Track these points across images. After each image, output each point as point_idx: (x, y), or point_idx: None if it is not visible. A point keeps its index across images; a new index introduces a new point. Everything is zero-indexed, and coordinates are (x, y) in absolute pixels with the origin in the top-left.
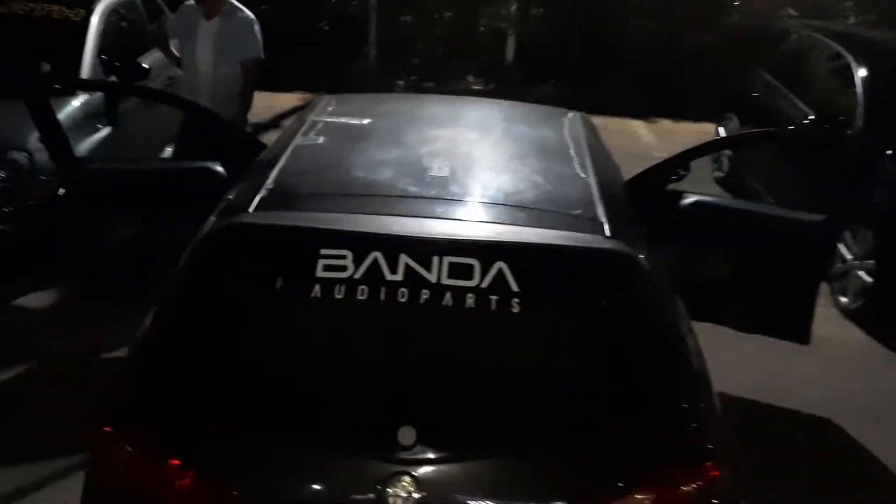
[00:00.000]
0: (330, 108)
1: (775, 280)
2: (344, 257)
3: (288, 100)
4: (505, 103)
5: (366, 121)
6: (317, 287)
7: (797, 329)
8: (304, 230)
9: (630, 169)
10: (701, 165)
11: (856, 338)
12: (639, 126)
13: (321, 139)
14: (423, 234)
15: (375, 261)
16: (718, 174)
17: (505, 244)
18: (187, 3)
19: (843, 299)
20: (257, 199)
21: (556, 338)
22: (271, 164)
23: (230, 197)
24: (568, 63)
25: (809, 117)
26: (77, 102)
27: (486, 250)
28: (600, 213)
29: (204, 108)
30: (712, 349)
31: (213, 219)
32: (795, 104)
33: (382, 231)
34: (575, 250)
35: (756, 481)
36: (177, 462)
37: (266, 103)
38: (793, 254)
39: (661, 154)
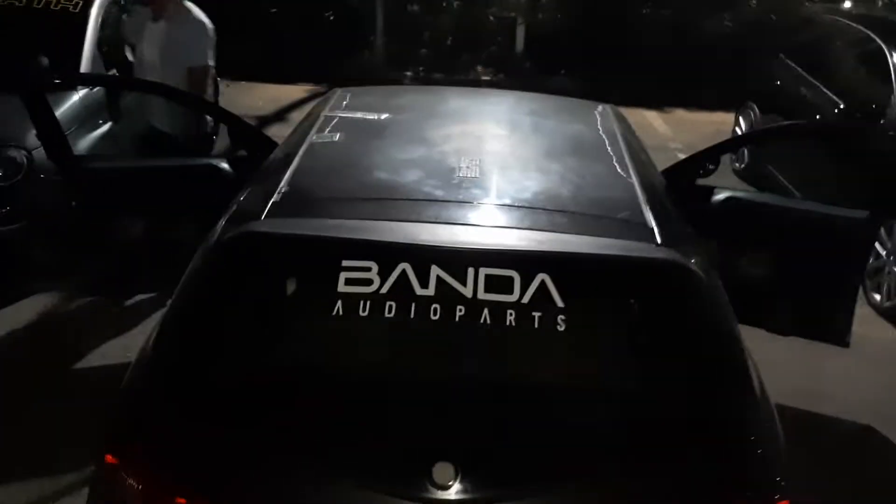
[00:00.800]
0: (345, 103)
1: (814, 280)
2: (368, 270)
3: (293, 92)
4: (529, 95)
5: (384, 116)
6: (339, 303)
7: (837, 331)
8: (323, 240)
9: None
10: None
11: (891, 337)
12: (653, 116)
13: (337, 136)
14: (456, 244)
15: (404, 273)
16: (737, 165)
17: (547, 254)
18: (138, 4)
19: (877, 297)
20: (270, 203)
21: (606, 359)
22: (284, 164)
23: (241, 200)
24: (579, 52)
25: (840, 107)
26: (77, 97)
27: (527, 261)
28: (648, 216)
29: (210, 104)
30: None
31: (222, 225)
32: (822, 93)
33: (411, 240)
34: (625, 261)
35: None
36: (183, 501)
37: (271, 94)
38: (833, 252)
39: (677, 145)
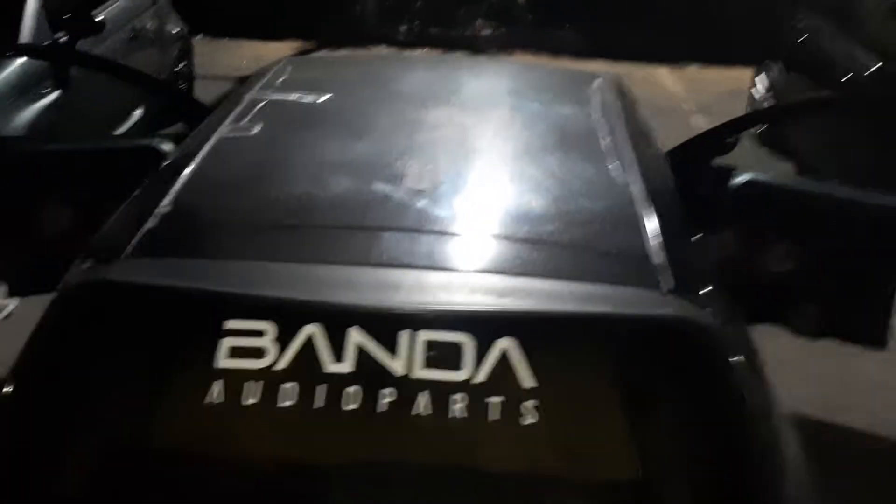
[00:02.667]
0: (281, 79)
1: (847, 274)
2: (261, 335)
3: (280, 49)
4: (513, 67)
5: (323, 98)
6: (215, 386)
7: (871, 331)
8: (197, 293)
9: (655, 128)
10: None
11: None
12: (664, 74)
13: (256, 128)
14: (382, 302)
15: (310, 341)
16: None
17: (512, 314)
18: None
19: None
20: (141, 232)
21: (594, 461)
22: (177, 170)
23: (110, 224)
24: (585, 4)
25: (874, 67)
26: (16, 62)
27: (484, 322)
28: (652, 246)
29: (158, 80)
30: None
31: (75, 266)
32: (854, 50)
33: (320, 294)
34: (618, 321)
35: None
36: None
37: (256, 53)
38: (869, 243)
39: (690, 106)
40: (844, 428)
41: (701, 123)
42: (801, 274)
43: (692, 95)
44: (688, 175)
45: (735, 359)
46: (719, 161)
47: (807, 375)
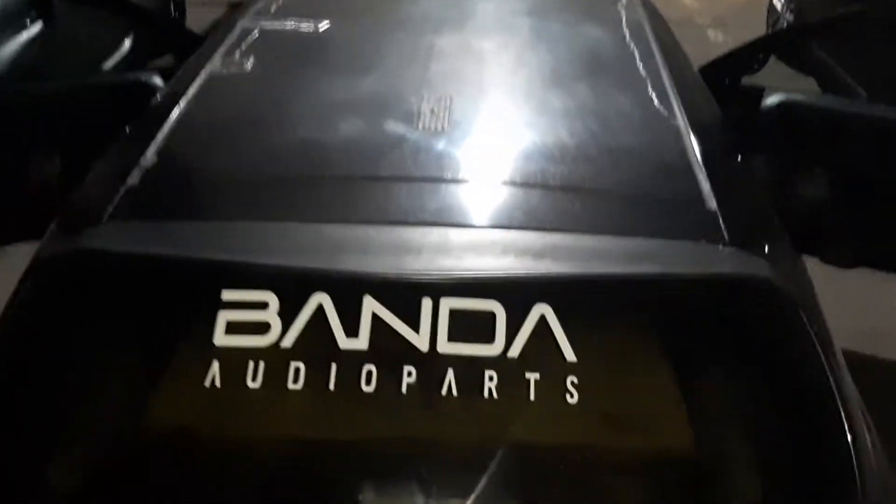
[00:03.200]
0: (279, 4)
1: (888, 201)
2: (264, 307)
3: None
4: None
5: (325, 25)
6: (213, 366)
7: None
8: (190, 262)
9: None
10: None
11: None
12: None
13: (249, 64)
14: (402, 268)
15: (319, 312)
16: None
17: (547, 278)
18: None
19: None
20: (122, 191)
21: (646, 446)
22: (162, 116)
23: (87, 183)
24: None
25: None
26: None
27: (517, 287)
28: (705, 189)
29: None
30: None
31: (50, 231)
32: None
33: (329, 261)
34: (674, 283)
35: None
36: None
37: None
38: None
39: (705, 20)
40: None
41: (718, 38)
42: (838, 201)
43: (707, 7)
44: (716, 97)
45: (809, 321)
46: (747, 81)
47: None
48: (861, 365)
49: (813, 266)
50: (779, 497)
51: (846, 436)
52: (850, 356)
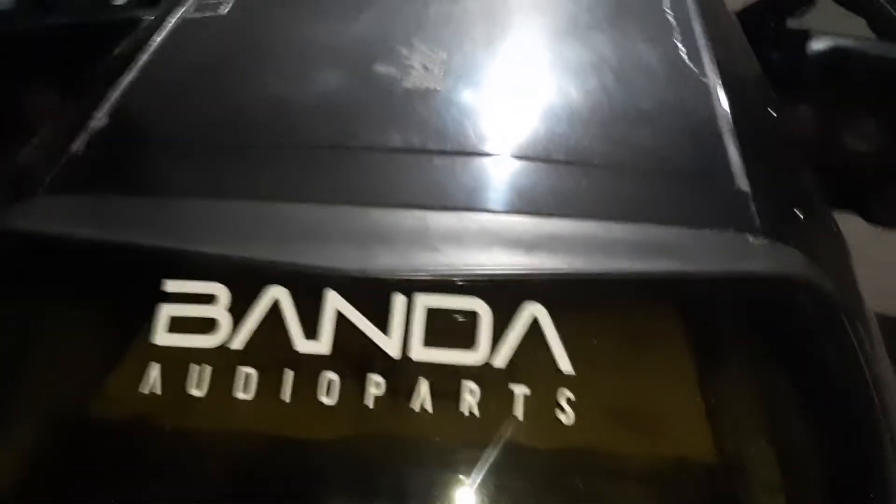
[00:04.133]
0: None
1: None
2: (211, 300)
3: None
4: None
5: None
6: (152, 370)
7: None
8: (125, 248)
9: None
10: None
11: None
12: None
13: (226, 7)
14: (367, 266)
15: (275, 309)
16: None
17: (541, 275)
18: None
19: None
20: (65, 158)
21: (652, 472)
22: (120, 69)
23: (32, 147)
24: None
25: None
26: None
27: (505, 285)
28: (736, 164)
29: None
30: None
31: None
32: None
33: (287, 250)
34: (695, 282)
35: None
36: None
37: None
38: None
39: None
40: None
41: None
42: (886, 155)
43: None
44: (758, 41)
45: (852, 328)
46: (791, 24)
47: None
48: None
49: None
50: None
51: (889, 457)
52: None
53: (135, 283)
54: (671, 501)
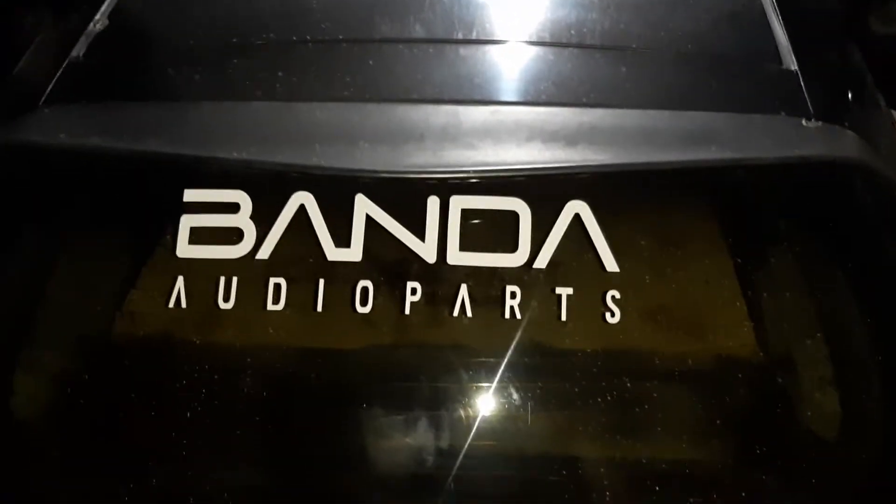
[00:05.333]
0: None
1: None
2: (233, 209)
3: None
4: None
5: None
6: (178, 283)
7: None
8: (141, 158)
9: None
10: None
11: None
12: None
13: None
14: (400, 158)
15: (302, 216)
16: None
17: (583, 170)
18: None
19: None
20: (62, 68)
21: (701, 368)
22: None
23: (30, 53)
24: None
25: None
26: None
27: (545, 181)
28: (783, 43)
29: None
30: None
31: None
32: None
33: (312, 153)
34: (744, 171)
35: None
36: None
37: None
38: None
39: None
40: None
41: None
42: None
43: None
44: None
45: None
46: None
47: None
48: None
49: None
50: (863, 411)
51: None
52: None
53: (152, 194)
54: (724, 400)
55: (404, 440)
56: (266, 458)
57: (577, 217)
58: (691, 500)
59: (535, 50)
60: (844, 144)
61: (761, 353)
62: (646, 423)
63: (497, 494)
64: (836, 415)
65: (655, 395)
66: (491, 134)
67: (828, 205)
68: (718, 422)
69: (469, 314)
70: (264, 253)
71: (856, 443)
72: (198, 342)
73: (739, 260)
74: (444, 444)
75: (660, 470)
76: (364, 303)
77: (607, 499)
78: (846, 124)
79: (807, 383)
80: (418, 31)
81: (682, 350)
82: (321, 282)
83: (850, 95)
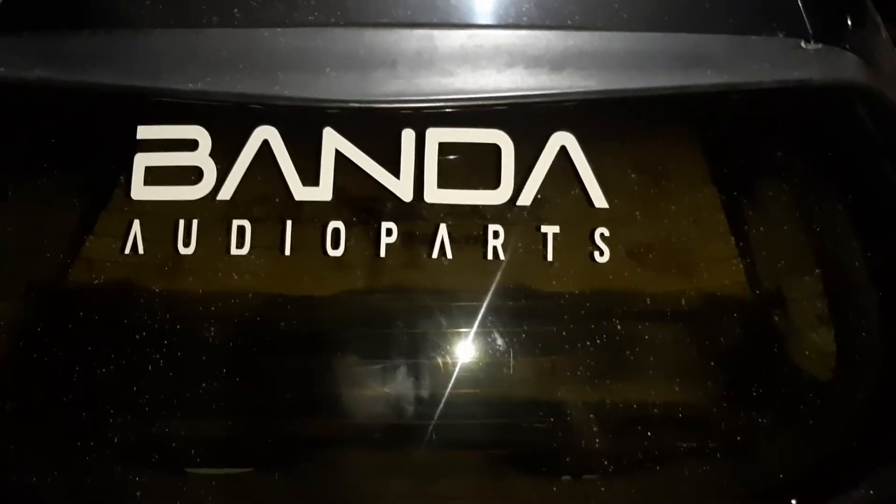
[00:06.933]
0: None
1: None
2: (192, 147)
3: None
4: None
5: None
6: (133, 227)
7: None
8: (89, 90)
9: None
10: None
11: None
12: None
13: None
14: (375, 86)
15: (265, 152)
16: None
17: (569, 97)
18: None
19: None
20: None
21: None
22: None
23: None
24: None
25: None
26: None
27: (528, 111)
28: None
29: None
30: None
31: None
32: None
33: (275, 83)
34: (740, 96)
35: None
36: None
37: None
38: None
39: None
40: None
41: None
42: None
43: None
44: None
45: None
46: None
47: None
48: None
49: None
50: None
51: None
52: None
53: (101, 130)
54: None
55: (382, 390)
56: (232, 412)
57: (563, 150)
58: (685, 444)
59: None
60: (845, 67)
61: (758, 291)
62: (637, 367)
63: (482, 443)
64: (832, 354)
65: (647, 336)
66: (469, 59)
67: (829, 131)
68: (713, 363)
69: (449, 256)
70: (226, 193)
71: (853, 382)
72: (156, 290)
73: (735, 192)
74: (425, 392)
75: (652, 415)
76: (336, 245)
77: (597, 445)
78: (847, 46)
79: (807, 320)
80: None
81: (675, 289)
82: (288, 223)
83: (849, 17)
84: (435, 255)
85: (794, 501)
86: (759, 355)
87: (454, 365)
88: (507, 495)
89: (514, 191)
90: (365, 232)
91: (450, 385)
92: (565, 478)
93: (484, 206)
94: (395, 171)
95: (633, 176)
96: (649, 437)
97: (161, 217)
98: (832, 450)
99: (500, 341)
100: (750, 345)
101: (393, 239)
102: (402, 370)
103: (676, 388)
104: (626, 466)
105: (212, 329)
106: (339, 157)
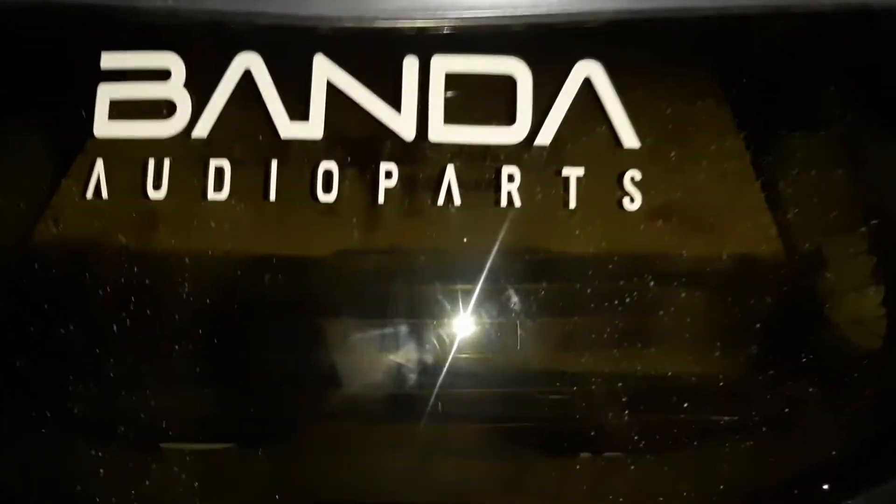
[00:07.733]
0: None
1: None
2: (164, 77)
3: None
4: None
5: None
6: (96, 167)
7: None
8: (47, 9)
9: None
10: None
11: None
12: None
13: None
14: (370, 7)
15: (247, 82)
16: None
17: (595, 18)
18: None
19: None
20: None
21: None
22: None
23: None
24: None
25: None
26: None
27: (547, 35)
28: None
29: None
30: None
31: None
32: None
33: (258, 5)
34: (790, 19)
35: None
36: None
37: None
38: None
39: None
40: None
41: None
42: None
43: None
44: None
45: None
46: None
47: None
48: None
49: None
50: None
51: None
52: None
53: (58, 56)
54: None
55: (383, 354)
56: (208, 381)
57: (587, 81)
58: (725, 417)
59: None
60: None
61: (808, 246)
62: (671, 330)
63: (493, 416)
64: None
65: (684, 295)
66: None
67: (890, 64)
68: (759, 325)
69: (457, 202)
70: (202, 130)
71: None
72: (123, 241)
73: (784, 132)
74: (428, 358)
75: (689, 384)
76: (327, 190)
77: (626, 417)
78: None
79: (859, 278)
80: None
81: (715, 243)
82: (274, 164)
83: None
84: (441, 201)
85: (825, 487)
86: (805, 319)
87: (461, 327)
88: (523, 473)
89: (531, 128)
90: (361, 175)
91: (454, 348)
92: (584, 454)
93: (497, 146)
94: (396, 104)
95: (668, 112)
96: (684, 409)
97: (128, 157)
98: (884, 427)
99: (514, 300)
100: (797, 307)
101: (393, 183)
102: (402, 333)
103: (716, 354)
104: (656, 443)
105: (186, 285)
106: (332, 89)
